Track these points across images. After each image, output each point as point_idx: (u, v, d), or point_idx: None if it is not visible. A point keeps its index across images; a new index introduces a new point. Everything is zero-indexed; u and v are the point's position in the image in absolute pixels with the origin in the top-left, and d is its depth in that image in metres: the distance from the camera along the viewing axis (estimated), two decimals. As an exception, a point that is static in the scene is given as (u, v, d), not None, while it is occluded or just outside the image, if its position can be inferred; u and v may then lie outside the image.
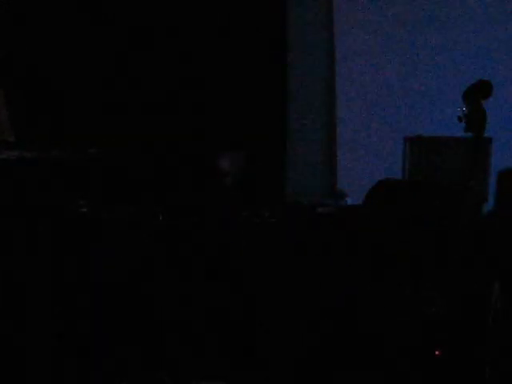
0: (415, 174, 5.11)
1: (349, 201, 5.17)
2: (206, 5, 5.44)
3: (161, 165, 4.72)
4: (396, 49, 5.53)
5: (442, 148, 5.02)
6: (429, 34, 5.42)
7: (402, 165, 5.19)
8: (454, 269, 3.65)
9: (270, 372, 4.13)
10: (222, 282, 4.24)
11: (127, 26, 5.42)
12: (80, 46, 5.40)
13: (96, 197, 4.36)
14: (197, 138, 4.86)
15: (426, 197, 4.44)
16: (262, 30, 5.51)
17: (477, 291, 3.67)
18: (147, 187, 4.54)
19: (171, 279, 4.24)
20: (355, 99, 5.64)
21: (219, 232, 4.32)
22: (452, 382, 3.62)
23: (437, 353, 3.63)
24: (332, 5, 5.71)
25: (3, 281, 4.12)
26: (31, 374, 4.02)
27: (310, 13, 5.73)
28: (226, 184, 4.67)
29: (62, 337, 4.13)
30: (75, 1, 5.40)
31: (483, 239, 3.85)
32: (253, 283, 4.25)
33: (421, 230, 4.14)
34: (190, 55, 5.39)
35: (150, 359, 4.16)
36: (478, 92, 3.67)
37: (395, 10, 5.53)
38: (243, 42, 5.40)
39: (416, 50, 5.47)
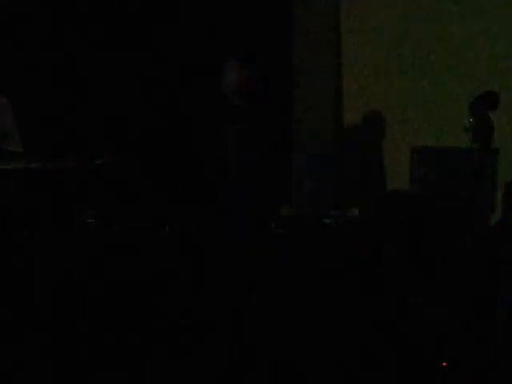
0: (422, 185, 5.10)
1: (356, 212, 5.16)
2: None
3: (166, 174, 4.73)
4: (402, 58, 5.54)
5: (449, 159, 5.01)
6: (435, 43, 5.43)
7: (408, 176, 5.18)
8: (460, 279, 3.65)
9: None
10: (228, 292, 4.24)
11: (122, 29, 5.46)
12: (86, 56, 5.42)
13: (103, 207, 4.36)
14: (202, 146, 4.87)
15: (433, 208, 4.43)
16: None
17: (483, 301, 3.66)
18: (153, 197, 4.54)
19: (179, 290, 4.24)
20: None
21: (226, 242, 4.32)
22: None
23: (444, 364, 3.63)
24: (339, 21, 5.75)
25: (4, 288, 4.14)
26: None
27: (314, 25, 5.77)
28: (232, 192, 4.68)
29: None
30: (86, 10, 5.44)
31: (490, 249, 3.84)
32: (258, 294, 4.25)
33: (428, 241, 4.14)
34: (194, 62, 5.42)
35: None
36: (485, 103, 3.67)
37: (401, 18, 5.54)
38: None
39: (422, 60, 5.47)
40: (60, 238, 4.25)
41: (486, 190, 3.74)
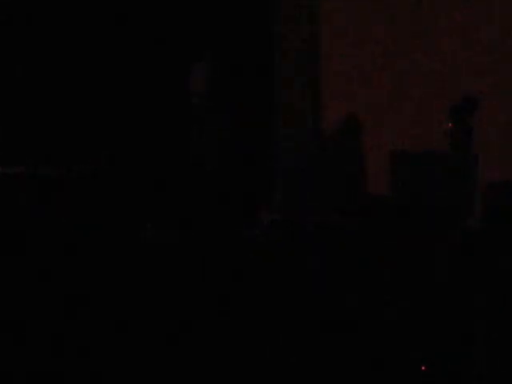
0: (401, 190, 5.11)
1: (336, 218, 5.17)
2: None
3: (149, 177, 4.73)
4: (382, 64, 5.56)
5: (427, 164, 5.03)
6: (415, 49, 5.46)
7: (387, 180, 5.19)
8: (440, 283, 3.66)
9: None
10: (211, 297, 4.24)
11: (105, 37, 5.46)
12: (64, 63, 5.42)
13: (83, 211, 4.35)
14: (185, 154, 4.88)
15: (413, 213, 4.45)
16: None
17: (463, 304, 3.68)
18: (135, 198, 4.54)
19: (160, 293, 4.24)
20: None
21: (209, 248, 4.31)
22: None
23: (423, 368, 3.64)
24: (320, 32, 5.78)
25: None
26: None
27: (295, 42, 5.80)
28: (214, 200, 4.68)
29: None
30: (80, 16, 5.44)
31: (470, 253, 3.86)
32: (242, 299, 4.25)
33: (408, 246, 4.15)
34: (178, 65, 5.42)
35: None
36: (464, 108, 3.69)
37: (383, 26, 5.56)
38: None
39: (402, 65, 5.50)
40: (44, 242, 4.25)
41: (465, 193, 3.76)
